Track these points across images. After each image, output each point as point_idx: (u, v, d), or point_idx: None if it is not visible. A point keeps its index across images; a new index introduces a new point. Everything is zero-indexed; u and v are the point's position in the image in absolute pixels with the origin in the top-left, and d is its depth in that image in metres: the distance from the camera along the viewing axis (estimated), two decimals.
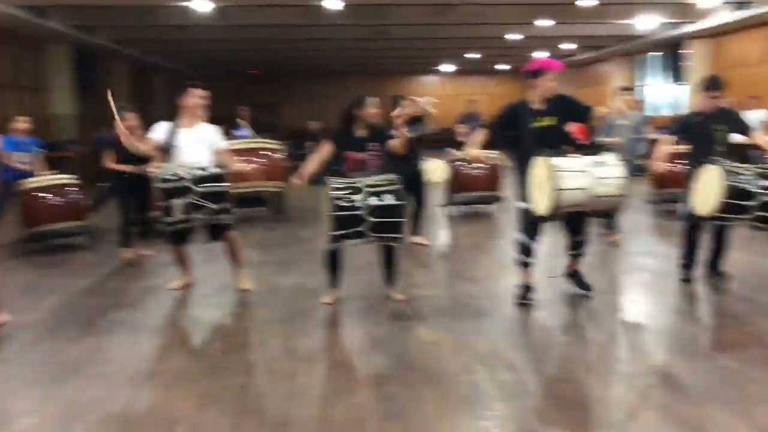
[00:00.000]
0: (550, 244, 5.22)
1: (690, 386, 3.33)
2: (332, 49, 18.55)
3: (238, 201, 8.68)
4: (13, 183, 7.04)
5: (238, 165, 5.25)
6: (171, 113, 5.30)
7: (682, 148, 5.30)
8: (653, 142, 10.89)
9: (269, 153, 8.75)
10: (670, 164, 5.26)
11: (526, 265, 4.71)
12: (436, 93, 26.96)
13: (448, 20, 13.44)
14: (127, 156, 6.12)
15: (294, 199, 9.49)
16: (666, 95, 18.40)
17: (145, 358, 3.87)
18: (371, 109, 4.79)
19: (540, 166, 4.34)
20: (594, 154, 4.44)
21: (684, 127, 5.17)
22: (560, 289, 5.12)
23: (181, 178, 4.60)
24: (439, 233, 7.85)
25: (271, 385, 3.47)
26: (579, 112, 4.68)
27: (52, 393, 3.41)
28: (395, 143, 4.82)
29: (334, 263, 4.83)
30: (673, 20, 14.57)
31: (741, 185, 4.54)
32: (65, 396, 3.37)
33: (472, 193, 8.72)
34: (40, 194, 7.08)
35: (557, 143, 4.47)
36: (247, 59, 20.57)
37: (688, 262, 5.10)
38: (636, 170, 12.07)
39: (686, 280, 5.06)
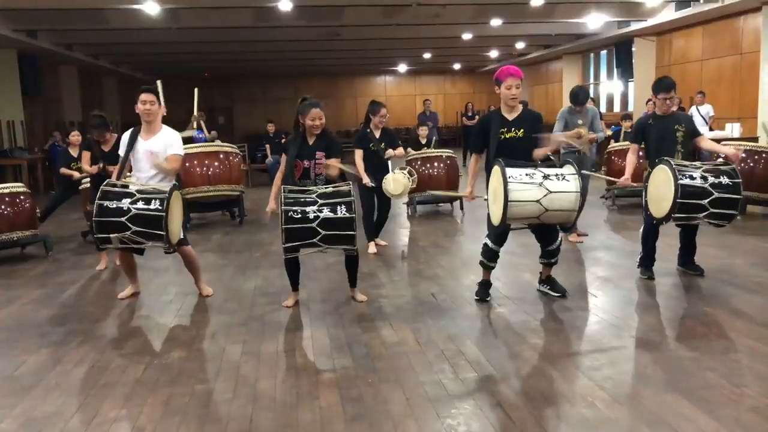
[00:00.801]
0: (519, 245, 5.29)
1: (651, 377, 3.41)
2: (286, 50, 18.42)
3: (197, 205, 8.64)
4: None
5: (164, 166, 4.85)
6: (124, 117, 5.19)
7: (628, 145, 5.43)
8: (607, 138, 11.17)
9: (226, 156, 8.64)
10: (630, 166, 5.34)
11: (488, 267, 4.79)
12: (392, 93, 27.15)
13: (401, 21, 13.49)
14: (103, 158, 6.17)
15: (252, 203, 9.40)
16: (616, 92, 18.86)
17: (103, 369, 3.77)
18: (311, 118, 4.61)
19: (495, 176, 4.38)
20: (555, 166, 4.49)
21: (640, 129, 5.29)
22: (522, 287, 5.19)
23: (121, 212, 4.46)
24: (400, 233, 7.87)
25: (234, 390, 3.41)
26: (535, 138, 4.60)
27: (7, 408, 3.29)
28: (330, 169, 4.64)
29: (293, 267, 4.79)
30: (620, 18, 14.96)
31: (692, 183, 4.67)
32: (21, 411, 3.26)
33: (432, 192, 8.77)
34: None
35: (521, 156, 4.51)
36: (200, 62, 20.26)
37: (646, 261, 5.25)
38: (591, 165, 12.36)
39: (647, 278, 5.20)
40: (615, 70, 17.90)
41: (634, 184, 5.37)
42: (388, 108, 6.54)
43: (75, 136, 7.68)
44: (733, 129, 11.26)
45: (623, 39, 16.52)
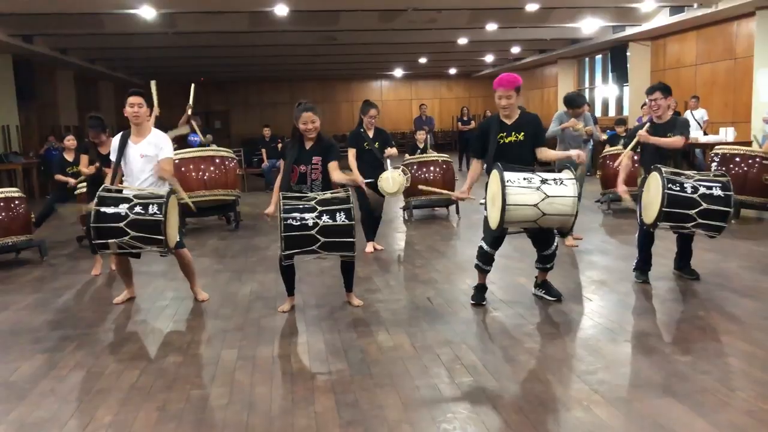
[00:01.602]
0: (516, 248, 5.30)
1: (647, 381, 3.41)
2: (282, 55, 18.46)
3: (192, 210, 8.62)
4: None
5: (167, 176, 4.90)
6: (120, 121, 5.20)
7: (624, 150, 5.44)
8: (602, 143, 11.21)
9: (222, 161, 8.64)
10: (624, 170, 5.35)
11: (483, 271, 4.80)
12: (388, 97, 27.20)
13: (397, 26, 13.53)
14: (100, 160, 6.13)
15: (248, 207, 9.39)
16: (611, 96, 18.92)
17: (98, 374, 3.76)
18: (303, 122, 4.62)
19: (494, 180, 4.39)
20: (554, 171, 4.51)
21: (634, 137, 5.30)
22: (518, 291, 5.20)
23: (119, 217, 4.46)
24: (396, 237, 7.88)
25: (230, 396, 3.40)
26: (539, 138, 4.66)
27: (1, 414, 3.27)
28: (336, 177, 4.64)
29: (288, 272, 4.80)
30: (615, 23, 15.02)
31: (681, 193, 4.67)
32: (16, 417, 3.24)
33: (428, 196, 8.79)
34: None
35: (521, 160, 4.53)
36: (197, 66, 20.27)
37: (642, 265, 5.26)
38: (588, 169, 12.40)
39: (642, 282, 5.22)
40: (610, 74, 17.98)
41: (627, 188, 5.27)
42: (385, 112, 6.57)
43: (70, 141, 7.66)
44: (727, 133, 11.31)
45: (618, 44, 16.59)
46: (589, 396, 3.24)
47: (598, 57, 19.23)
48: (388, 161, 6.66)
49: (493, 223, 4.39)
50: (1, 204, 6.88)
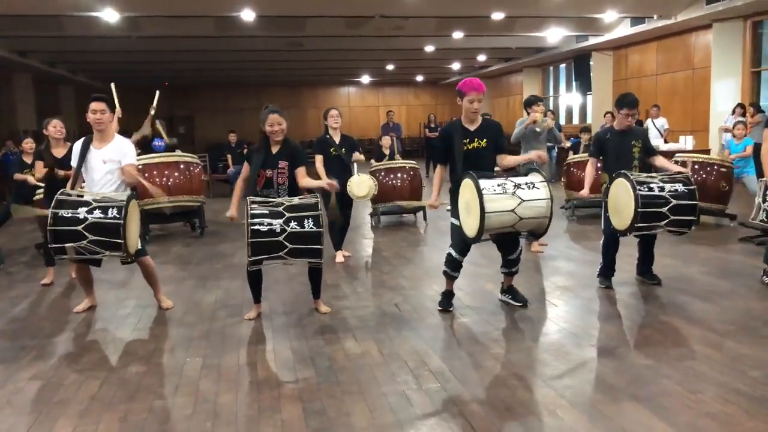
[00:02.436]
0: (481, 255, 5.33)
1: (611, 385, 3.46)
2: (248, 60, 18.33)
3: (156, 216, 8.48)
4: None
5: (139, 182, 4.90)
6: (82, 127, 5.08)
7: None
8: (565, 150, 11.39)
9: (187, 166, 8.52)
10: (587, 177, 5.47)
11: (451, 277, 4.82)
12: (355, 104, 27.21)
13: (364, 32, 13.56)
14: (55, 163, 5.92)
15: (213, 213, 9.27)
16: (575, 104, 19.26)
17: (57, 385, 3.65)
18: (269, 124, 4.61)
19: (467, 188, 4.41)
20: (522, 174, 4.55)
21: (599, 144, 5.41)
22: (485, 297, 5.23)
23: (77, 221, 4.36)
24: (364, 243, 7.86)
25: (195, 405, 3.34)
26: (500, 144, 4.69)
27: None
28: (303, 183, 4.64)
29: (255, 279, 4.75)
30: (578, 33, 15.31)
31: (651, 193, 4.81)
32: None
33: (395, 202, 8.82)
34: None
35: (485, 166, 4.57)
36: (161, 70, 20.00)
37: (606, 271, 5.35)
38: (552, 176, 12.58)
39: (606, 287, 5.30)
40: (573, 83, 18.31)
41: (592, 196, 5.48)
42: (352, 119, 6.58)
43: (28, 143, 7.45)
44: (687, 141, 11.61)
45: (581, 53, 16.92)
46: (555, 401, 3.27)
47: (562, 66, 19.58)
48: (355, 166, 6.66)
49: (471, 232, 4.38)
50: None
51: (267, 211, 4.37)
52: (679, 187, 4.90)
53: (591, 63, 17.02)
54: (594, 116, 16.68)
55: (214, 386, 3.59)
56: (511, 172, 4.73)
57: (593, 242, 6.31)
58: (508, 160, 4.72)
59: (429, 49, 16.93)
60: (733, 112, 11.41)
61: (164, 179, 8.22)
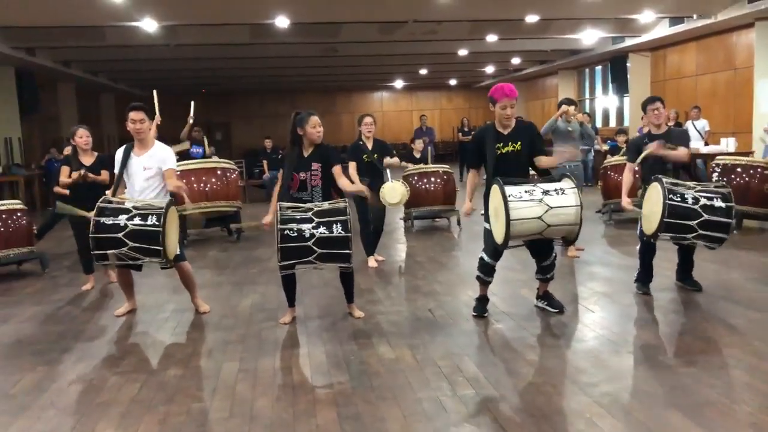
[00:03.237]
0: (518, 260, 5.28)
1: (649, 393, 3.40)
2: (283, 66, 18.54)
3: (194, 221, 8.64)
4: None
5: (179, 185, 4.98)
6: (122, 133, 5.20)
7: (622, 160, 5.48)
8: (603, 153, 11.22)
9: (224, 172, 8.65)
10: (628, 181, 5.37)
11: (485, 282, 4.79)
12: (388, 108, 27.28)
13: (397, 37, 13.59)
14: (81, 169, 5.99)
15: (249, 219, 9.39)
16: (611, 107, 18.96)
17: (99, 387, 3.74)
18: (312, 126, 4.68)
19: (495, 195, 4.38)
20: (554, 180, 4.50)
21: (635, 148, 5.32)
22: (520, 303, 5.19)
23: (118, 228, 4.47)
24: (398, 248, 7.87)
25: (231, 409, 3.39)
26: (536, 146, 4.64)
27: (2, 426, 3.26)
28: (342, 183, 4.72)
29: (289, 284, 4.79)
30: (614, 34, 15.08)
31: (682, 204, 4.66)
32: (17, 429, 3.23)
33: (429, 207, 8.82)
34: None
35: (519, 169, 4.55)
36: (198, 78, 20.37)
37: (643, 276, 5.25)
38: (588, 180, 12.43)
39: (644, 293, 5.20)
40: (610, 85, 18.02)
41: (635, 209, 5.26)
42: (385, 123, 6.61)
43: (69, 151, 7.66)
44: (728, 144, 11.31)
45: (618, 54, 16.65)
46: (591, 408, 3.22)
47: (598, 68, 19.29)
48: (388, 171, 6.67)
49: (499, 238, 4.36)
50: (3, 216, 6.89)
51: (297, 216, 4.41)
52: (717, 201, 4.66)
53: (628, 64, 16.73)
54: (631, 118, 16.38)
55: (250, 390, 3.63)
56: (544, 176, 4.67)
57: (630, 247, 6.20)
58: (543, 161, 4.66)
59: (462, 52, 16.87)
60: None
61: (201, 185, 8.37)
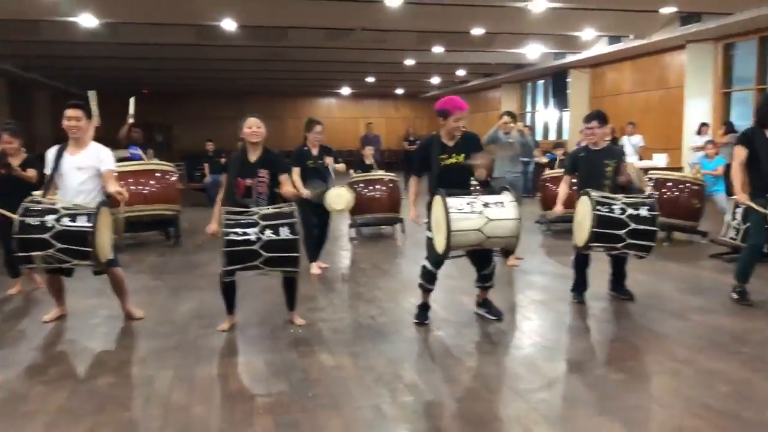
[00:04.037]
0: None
1: (582, 399, 3.49)
2: (228, 69, 18.29)
3: (131, 225, 8.38)
4: None
5: (120, 191, 4.71)
6: (57, 133, 4.99)
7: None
8: (542, 165, 11.52)
9: (163, 175, 8.44)
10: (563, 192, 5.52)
11: (427, 290, 4.83)
12: (335, 115, 27.24)
13: (345, 44, 13.61)
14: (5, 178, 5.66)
15: (189, 223, 9.19)
16: (552, 120, 19.49)
17: (23, 396, 3.57)
18: (247, 126, 4.62)
19: (437, 206, 4.44)
20: (494, 192, 4.59)
21: (573, 161, 5.49)
22: (460, 310, 5.25)
23: (44, 228, 4.27)
24: (342, 255, 7.85)
25: (165, 418, 3.29)
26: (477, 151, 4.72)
27: None
28: (287, 190, 4.67)
29: (229, 290, 4.70)
30: (557, 50, 15.54)
31: (610, 215, 4.84)
32: None
33: (374, 214, 8.84)
34: None
35: (462, 181, 4.62)
36: (140, 78, 19.85)
37: (578, 286, 5.41)
38: (528, 191, 12.71)
39: (578, 302, 5.35)
40: (551, 99, 18.55)
41: (568, 211, 5.48)
42: (332, 130, 6.58)
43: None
44: (660, 159, 11.81)
45: (559, 70, 17.16)
46: (528, 414, 3.28)
47: (540, 82, 19.84)
48: (332, 174, 6.62)
49: (440, 248, 4.42)
50: None
51: (242, 220, 4.34)
52: (643, 211, 4.88)
53: (568, 80, 17.27)
54: (570, 133, 16.89)
55: (185, 398, 3.54)
56: (484, 188, 4.76)
57: (567, 257, 6.36)
58: (480, 165, 4.72)
59: (409, 62, 17.04)
60: (699, 132, 11.70)
61: (140, 187, 8.13)
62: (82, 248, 4.31)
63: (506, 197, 4.46)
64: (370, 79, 21.61)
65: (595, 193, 4.94)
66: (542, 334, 4.63)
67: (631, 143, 12.58)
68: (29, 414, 3.36)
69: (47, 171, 4.75)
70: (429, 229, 4.66)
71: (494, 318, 4.89)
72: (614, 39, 13.94)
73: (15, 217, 4.38)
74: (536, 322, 4.95)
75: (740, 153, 5.24)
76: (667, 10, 11.12)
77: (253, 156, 4.67)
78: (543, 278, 6.41)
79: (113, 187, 4.67)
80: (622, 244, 4.89)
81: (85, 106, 4.83)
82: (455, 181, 4.56)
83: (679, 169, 11.55)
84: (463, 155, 4.63)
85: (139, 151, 9.53)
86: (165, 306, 5.46)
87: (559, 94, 17.66)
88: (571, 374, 3.90)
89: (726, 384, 3.63)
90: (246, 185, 4.61)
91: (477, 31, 12.58)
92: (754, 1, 10.15)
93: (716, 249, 7.42)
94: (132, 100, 8.78)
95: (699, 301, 5.43)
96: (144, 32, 12.61)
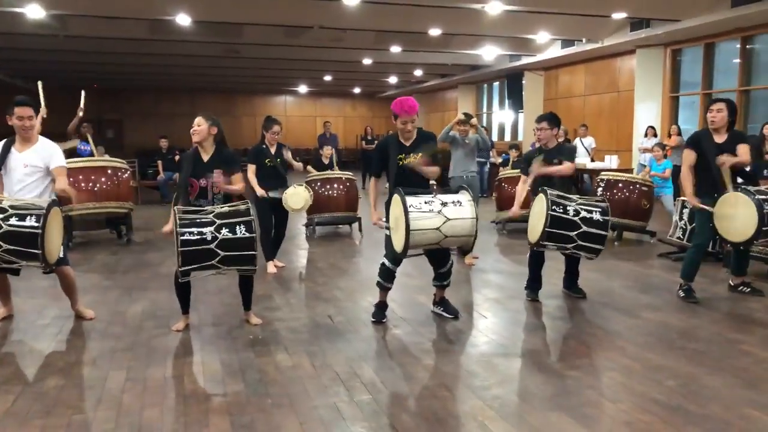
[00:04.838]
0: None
1: (537, 396, 3.56)
2: (182, 65, 17.95)
3: (82, 223, 8.15)
4: None
5: (64, 189, 4.57)
6: (1, 127, 4.81)
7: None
8: (497, 165, 11.66)
9: (115, 172, 8.23)
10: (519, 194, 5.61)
11: (385, 288, 4.85)
12: (292, 113, 27.04)
13: (302, 42, 13.53)
14: None
15: (141, 221, 8.99)
16: (507, 121, 19.78)
17: None
18: (197, 126, 4.57)
19: (396, 205, 4.46)
20: (452, 192, 4.63)
21: (527, 161, 5.59)
22: (417, 309, 5.28)
23: None
24: (299, 254, 7.80)
25: (117, 420, 3.22)
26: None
27: None
28: (233, 190, 4.62)
29: (183, 290, 4.62)
30: (512, 52, 15.78)
31: (563, 216, 4.95)
32: None
33: (331, 213, 8.81)
34: None
35: (420, 180, 4.65)
36: (90, 72, 19.29)
37: (532, 284, 5.51)
38: (484, 191, 12.86)
39: (532, 300, 5.45)
40: (506, 100, 18.82)
41: (523, 212, 5.57)
42: (288, 128, 6.55)
43: None
44: (612, 160, 12.12)
45: (514, 72, 17.43)
46: (484, 411, 3.33)
47: (496, 83, 20.10)
48: (288, 154, 6.59)
49: (398, 247, 4.44)
50: None
51: (196, 219, 4.27)
52: (596, 215, 4.98)
53: (523, 82, 17.55)
54: (525, 134, 17.19)
55: (138, 400, 3.46)
56: (442, 188, 4.81)
57: (522, 256, 6.48)
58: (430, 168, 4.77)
59: (367, 61, 17.05)
60: (646, 134, 12.07)
61: (90, 184, 7.92)
62: (31, 250, 4.16)
63: (463, 196, 4.51)
64: (328, 78, 21.52)
65: (552, 192, 5.03)
66: (498, 332, 4.71)
67: (583, 145, 12.87)
68: None
69: None
70: (388, 227, 4.68)
71: (451, 316, 4.94)
72: (567, 43, 14.24)
73: None
74: (492, 320, 5.02)
75: (689, 156, 5.42)
76: (618, 15, 11.43)
77: (206, 155, 4.60)
78: (498, 277, 6.51)
79: (62, 185, 4.53)
80: (572, 245, 5.00)
81: (34, 103, 4.66)
82: (413, 181, 4.60)
83: (630, 170, 11.88)
84: (420, 155, 4.67)
85: (89, 147, 9.28)
86: (117, 306, 5.33)
87: (514, 96, 17.94)
88: (526, 371, 3.97)
89: (673, 379, 3.75)
90: (200, 186, 4.54)
91: (434, 31, 12.67)
92: (701, 8, 10.52)
93: (664, 248, 7.67)
94: (83, 94, 8.56)
95: (648, 298, 5.60)
96: (94, 25, 12.25)
